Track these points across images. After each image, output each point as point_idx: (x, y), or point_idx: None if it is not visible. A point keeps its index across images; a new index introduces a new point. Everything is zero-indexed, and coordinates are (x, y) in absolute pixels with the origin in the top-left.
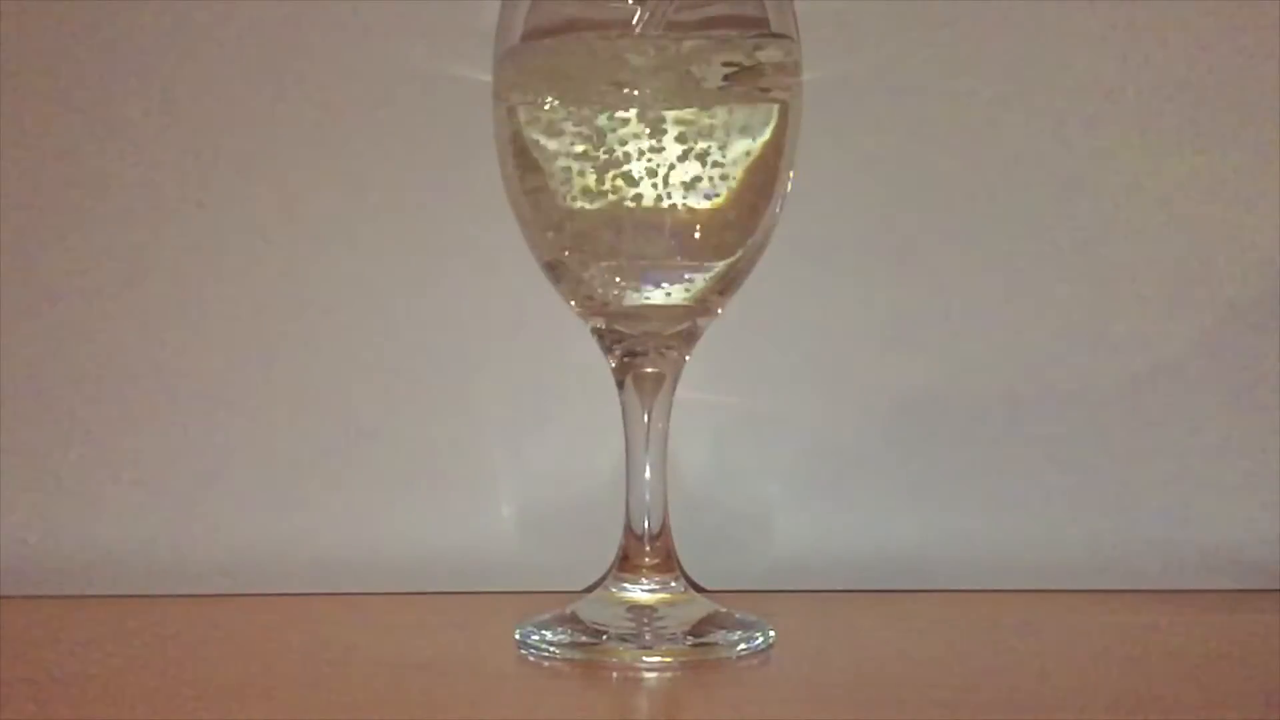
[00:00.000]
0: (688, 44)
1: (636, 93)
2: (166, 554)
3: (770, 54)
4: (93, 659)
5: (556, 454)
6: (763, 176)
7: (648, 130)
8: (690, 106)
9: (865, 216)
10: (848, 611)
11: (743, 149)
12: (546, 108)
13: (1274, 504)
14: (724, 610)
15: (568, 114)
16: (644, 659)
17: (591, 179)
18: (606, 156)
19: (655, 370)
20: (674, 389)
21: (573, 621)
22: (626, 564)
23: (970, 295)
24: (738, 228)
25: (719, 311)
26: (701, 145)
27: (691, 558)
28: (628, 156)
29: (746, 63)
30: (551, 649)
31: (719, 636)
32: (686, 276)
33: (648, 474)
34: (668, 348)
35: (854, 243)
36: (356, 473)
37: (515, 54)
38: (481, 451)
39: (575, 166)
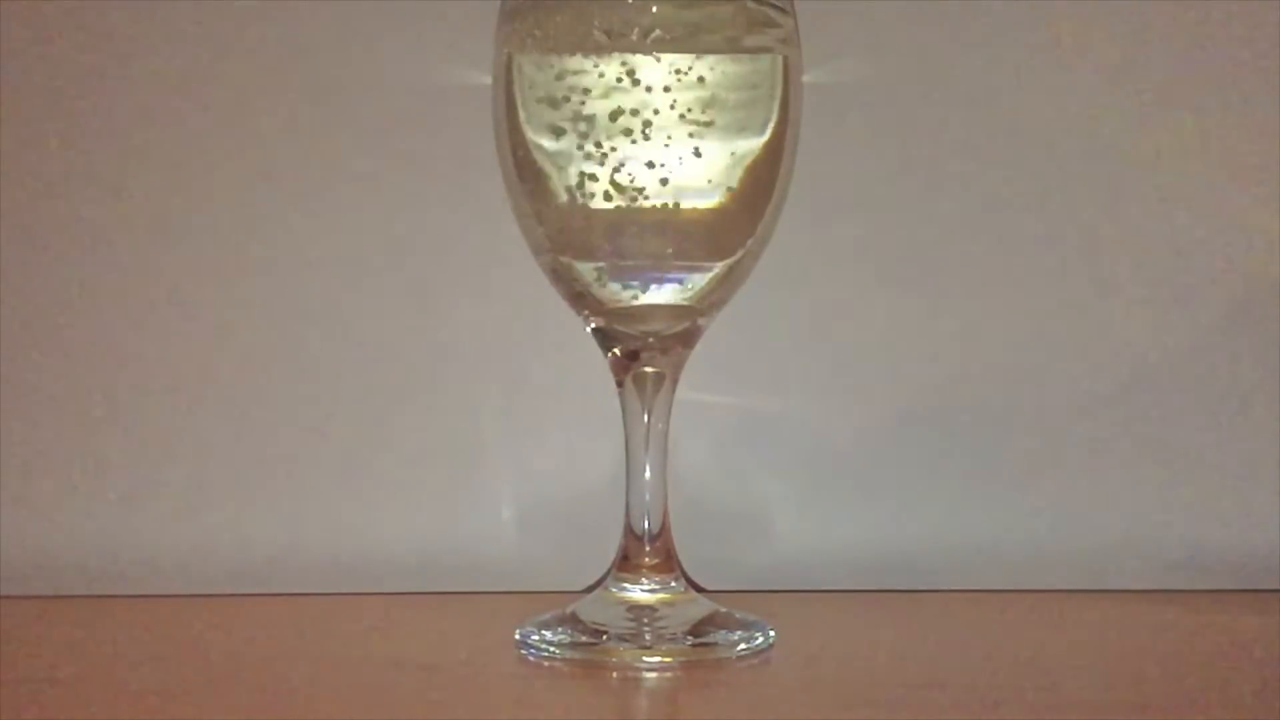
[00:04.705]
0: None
1: (635, 40)
2: (167, 554)
3: (766, 13)
4: (93, 659)
5: (556, 454)
6: (763, 172)
7: (646, 98)
8: (690, 53)
9: (866, 217)
10: (848, 611)
11: (742, 135)
12: (548, 66)
13: (1274, 504)
14: (724, 610)
15: (563, 70)
16: (644, 659)
17: (590, 165)
18: (603, 144)
19: (655, 370)
20: (674, 389)
21: (573, 621)
22: (626, 564)
23: (970, 295)
24: (738, 227)
25: (719, 311)
26: (704, 117)
27: (691, 558)
28: (628, 129)
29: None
30: (551, 649)
31: (719, 636)
32: (686, 276)
33: (648, 474)
34: (668, 348)
35: (854, 243)
36: (356, 473)
37: (518, 10)
38: (481, 451)
39: (574, 144)
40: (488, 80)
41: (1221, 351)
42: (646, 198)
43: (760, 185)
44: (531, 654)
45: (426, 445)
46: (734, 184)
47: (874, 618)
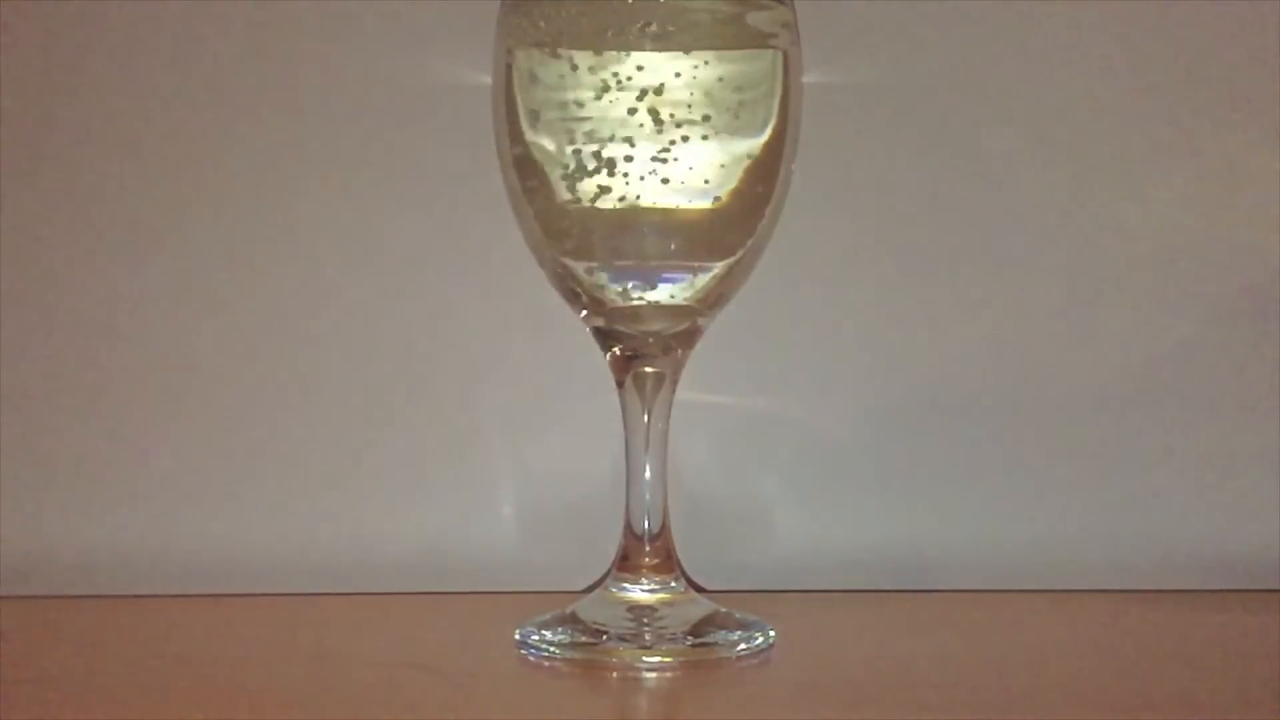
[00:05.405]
0: None
1: (635, 37)
2: (167, 554)
3: (767, 11)
4: (93, 659)
5: (556, 454)
6: (763, 172)
7: (647, 96)
8: (690, 50)
9: (865, 217)
10: (848, 611)
11: (742, 134)
12: (549, 63)
13: (1274, 504)
14: (724, 610)
15: (563, 67)
16: (644, 659)
17: (590, 164)
18: (603, 143)
19: (655, 370)
20: (674, 389)
21: (573, 621)
22: (626, 564)
23: (970, 295)
24: (738, 227)
25: (718, 311)
26: (703, 116)
27: (691, 558)
28: (624, 122)
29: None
30: (551, 649)
31: (719, 636)
32: (686, 276)
33: (648, 474)
34: (668, 348)
35: (853, 243)
36: (356, 472)
37: (520, 6)
38: (481, 451)
39: (573, 142)
40: (487, 80)
41: (1221, 351)
42: (646, 197)
43: (760, 185)
44: (531, 654)
45: (427, 445)
46: (734, 183)
47: (874, 618)
